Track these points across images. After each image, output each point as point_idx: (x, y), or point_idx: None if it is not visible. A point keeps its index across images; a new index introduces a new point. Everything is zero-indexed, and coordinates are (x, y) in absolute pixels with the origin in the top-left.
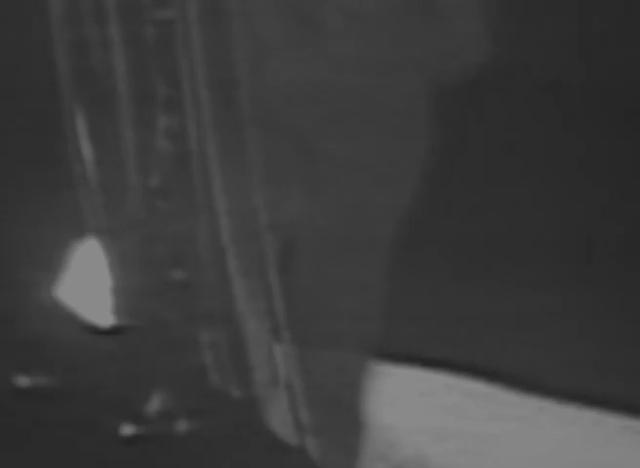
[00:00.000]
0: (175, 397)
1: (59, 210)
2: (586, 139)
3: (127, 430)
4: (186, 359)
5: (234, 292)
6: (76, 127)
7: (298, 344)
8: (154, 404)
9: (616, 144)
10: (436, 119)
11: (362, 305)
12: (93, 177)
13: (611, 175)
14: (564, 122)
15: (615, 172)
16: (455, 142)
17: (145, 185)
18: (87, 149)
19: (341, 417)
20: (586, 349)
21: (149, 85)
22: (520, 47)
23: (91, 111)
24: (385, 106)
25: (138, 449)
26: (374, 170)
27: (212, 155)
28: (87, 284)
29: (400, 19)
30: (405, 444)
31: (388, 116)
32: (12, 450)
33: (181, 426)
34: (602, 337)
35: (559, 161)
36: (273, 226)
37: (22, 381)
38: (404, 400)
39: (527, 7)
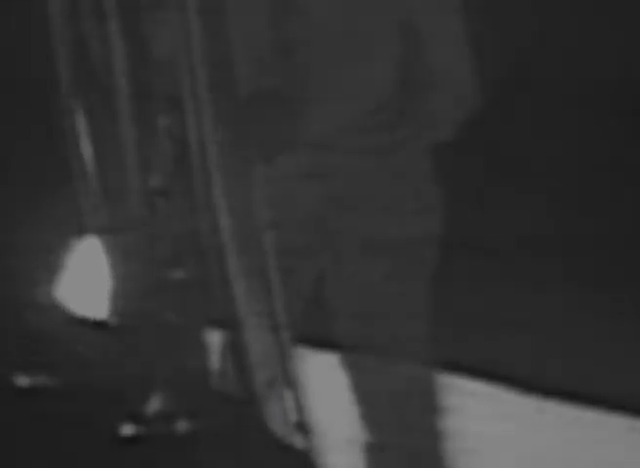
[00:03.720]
0: (175, 397)
1: (59, 209)
2: (589, 145)
3: (127, 430)
4: (186, 359)
5: (234, 291)
6: (76, 126)
7: (298, 344)
8: (154, 404)
9: (619, 146)
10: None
11: (362, 305)
12: (93, 177)
13: (613, 176)
14: (565, 135)
15: (618, 172)
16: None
17: (146, 185)
18: (87, 149)
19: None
20: (587, 349)
21: (149, 84)
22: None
23: (90, 110)
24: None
25: (138, 449)
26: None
27: (212, 154)
28: (87, 284)
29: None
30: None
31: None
32: (12, 450)
33: (181, 426)
34: (602, 337)
35: (560, 168)
36: (274, 226)
37: (22, 381)
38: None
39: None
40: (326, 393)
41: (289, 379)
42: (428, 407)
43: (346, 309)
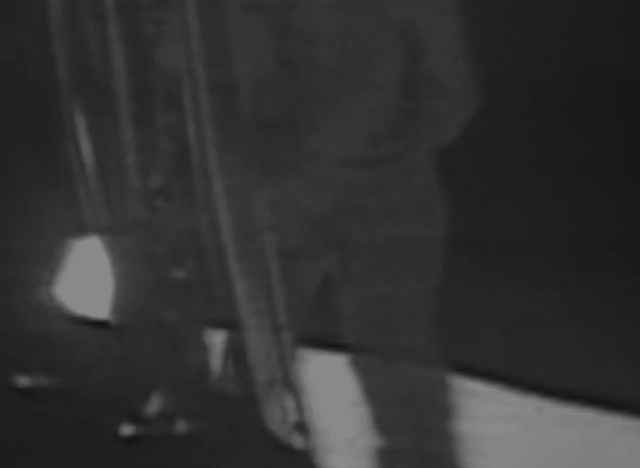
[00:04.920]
0: (175, 397)
1: (59, 210)
2: (587, 143)
3: (127, 430)
4: (186, 359)
5: (235, 291)
6: (76, 127)
7: (301, 345)
8: (154, 404)
9: (618, 144)
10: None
11: (368, 307)
12: (93, 178)
13: (613, 177)
14: (566, 134)
15: (617, 173)
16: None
17: (146, 185)
18: (87, 149)
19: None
20: (586, 349)
21: (148, 84)
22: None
23: (90, 111)
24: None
25: (138, 449)
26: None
27: (212, 154)
28: (87, 284)
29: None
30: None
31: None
32: (12, 449)
33: (181, 426)
34: (602, 337)
35: (559, 168)
36: (278, 227)
37: (22, 381)
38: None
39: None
40: (326, 394)
41: (289, 380)
42: (437, 408)
43: (352, 310)
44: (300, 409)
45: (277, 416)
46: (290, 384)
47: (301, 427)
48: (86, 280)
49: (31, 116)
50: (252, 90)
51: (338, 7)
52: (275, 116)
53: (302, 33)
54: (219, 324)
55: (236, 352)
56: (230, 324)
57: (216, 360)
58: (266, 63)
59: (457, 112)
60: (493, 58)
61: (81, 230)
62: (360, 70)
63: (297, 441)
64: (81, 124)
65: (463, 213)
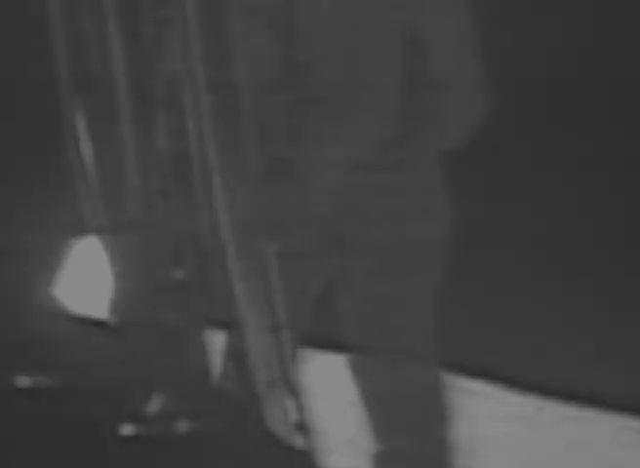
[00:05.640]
0: (175, 397)
1: (58, 210)
2: (584, 143)
3: (127, 430)
4: (186, 359)
5: (234, 291)
6: (76, 127)
7: (303, 345)
8: (154, 404)
9: (615, 145)
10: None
11: (369, 307)
12: (93, 177)
13: (611, 177)
14: (567, 135)
15: (615, 173)
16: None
17: (146, 185)
18: (87, 149)
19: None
20: (586, 349)
21: (149, 85)
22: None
23: (90, 111)
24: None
25: (138, 449)
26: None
27: (211, 155)
28: (87, 284)
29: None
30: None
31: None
32: (12, 450)
33: (182, 426)
34: (602, 337)
35: (558, 168)
36: (275, 227)
37: (22, 381)
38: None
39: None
40: (327, 394)
41: (289, 380)
42: (436, 408)
43: (352, 311)
44: (300, 408)
45: (277, 416)
46: (290, 384)
47: (302, 427)
48: (86, 280)
49: (31, 116)
50: (253, 92)
51: (340, 8)
52: (277, 119)
53: (305, 35)
54: (219, 324)
55: (236, 352)
56: (230, 324)
57: (216, 360)
58: (268, 66)
59: (463, 115)
60: (499, 60)
61: (81, 230)
62: (363, 73)
63: (297, 441)
64: (81, 124)
65: (464, 213)
